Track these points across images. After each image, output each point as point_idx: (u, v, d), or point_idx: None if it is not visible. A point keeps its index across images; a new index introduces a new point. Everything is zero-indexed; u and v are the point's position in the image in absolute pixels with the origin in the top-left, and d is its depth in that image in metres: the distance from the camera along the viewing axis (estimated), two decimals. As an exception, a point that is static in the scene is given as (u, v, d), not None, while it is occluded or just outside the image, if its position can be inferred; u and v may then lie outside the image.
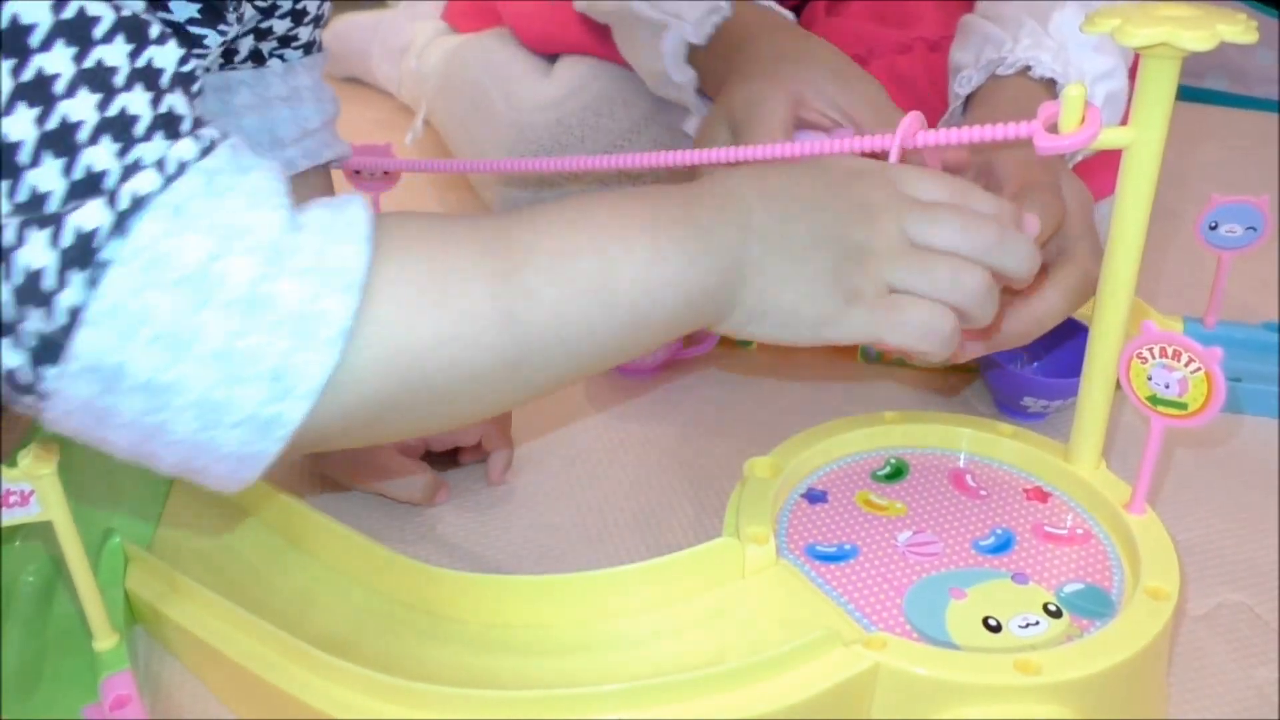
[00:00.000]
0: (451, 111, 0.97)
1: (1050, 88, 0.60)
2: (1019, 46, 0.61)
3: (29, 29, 0.31)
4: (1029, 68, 0.60)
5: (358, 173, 0.76)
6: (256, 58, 0.56)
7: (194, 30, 0.44)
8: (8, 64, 0.31)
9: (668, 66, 0.68)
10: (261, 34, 0.54)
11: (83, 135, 0.32)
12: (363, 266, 0.34)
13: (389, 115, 1.27)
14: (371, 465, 0.58)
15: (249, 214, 0.33)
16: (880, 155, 0.47)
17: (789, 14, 0.66)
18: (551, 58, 0.93)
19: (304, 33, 0.56)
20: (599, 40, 0.84)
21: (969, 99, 0.64)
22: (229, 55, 0.54)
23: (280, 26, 0.54)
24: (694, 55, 0.67)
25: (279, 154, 0.56)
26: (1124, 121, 0.44)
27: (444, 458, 0.62)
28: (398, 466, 0.58)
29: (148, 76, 0.33)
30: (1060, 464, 0.52)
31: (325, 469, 0.61)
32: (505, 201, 0.89)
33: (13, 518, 0.41)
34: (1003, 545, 0.48)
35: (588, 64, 0.85)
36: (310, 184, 0.59)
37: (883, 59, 0.80)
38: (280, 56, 0.56)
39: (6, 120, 0.31)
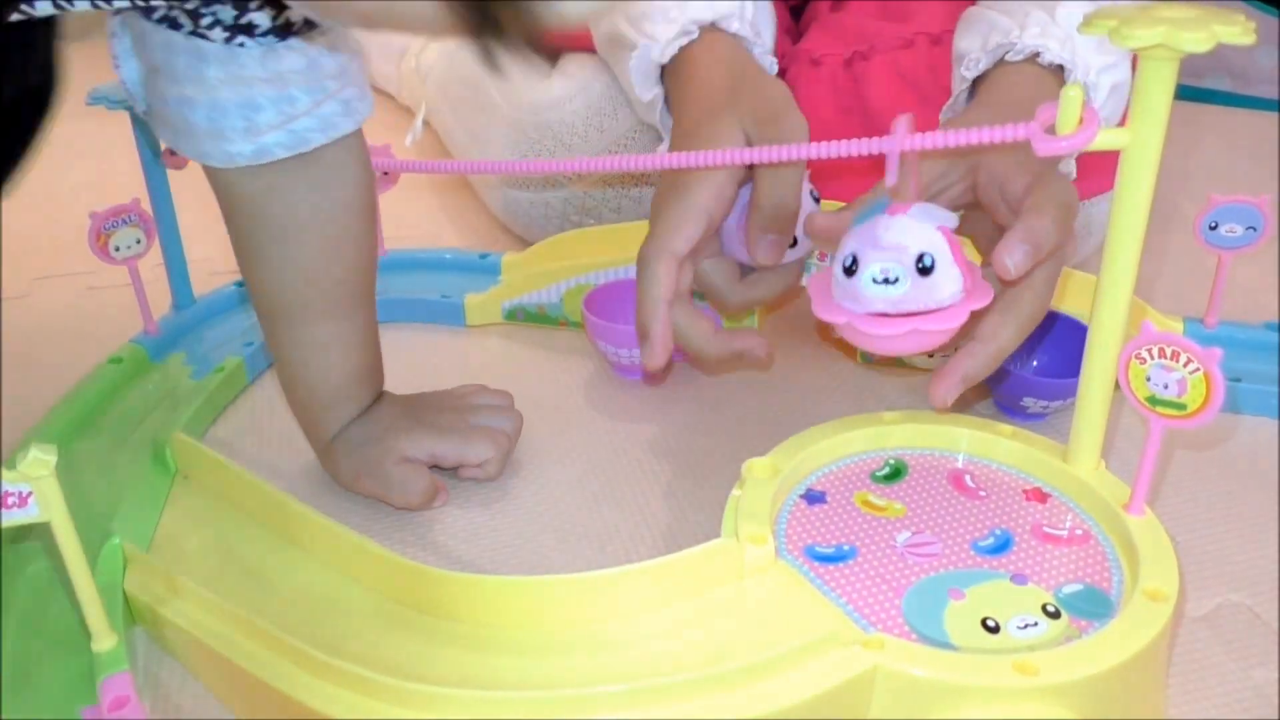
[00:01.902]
0: (452, 112, 0.97)
1: (1058, 75, 0.61)
2: (1026, 33, 0.61)
3: None
4: (1037, 54, 0.61)
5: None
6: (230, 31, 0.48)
7: None
8: None
9: (634, 82, 0.69)
10: (199, 17, 0.47)
11: None
12: None
13: (386, 115, 1.27)
14: (373, 471, 0.59)
15: None
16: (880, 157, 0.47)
17: (752, 37, 0.66)
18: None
19: (261, 19, 0.48)
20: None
21: (974, 86, 0.64)
22: (195, 18, 0.47)
23: (226, 15, 0.47)
24: (665, 77, 0.68)
25: (253, 140, 0.51)
26: (1126, 114, 0.44)
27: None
28: (399, 472, 0.58)
29: None
30: (1059, 465, 0.52)
31: (327, 471, 0.61)
32: (508, 202, 0.89)
33: (11, 519, 0.41)
34: (1001, 546, 0.48)
35: (592, 63, 0.85)
36: (328, 157, 0.54)
37: (885, 54, 0.80)
38: (241, 45, 0.49)
39: None
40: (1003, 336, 0.52)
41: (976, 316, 0.49)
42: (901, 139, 0.45)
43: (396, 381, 0.64)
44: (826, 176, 0.79)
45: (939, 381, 0.52)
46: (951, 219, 0.48)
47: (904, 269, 0.46)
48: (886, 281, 0.46)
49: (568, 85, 0.85)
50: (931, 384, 0.52)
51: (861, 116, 0.80)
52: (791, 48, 0.84)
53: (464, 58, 0.98)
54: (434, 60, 1.06)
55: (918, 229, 0.47)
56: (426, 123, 1.06)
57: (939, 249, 0.46)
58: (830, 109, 0.81)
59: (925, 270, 0.46)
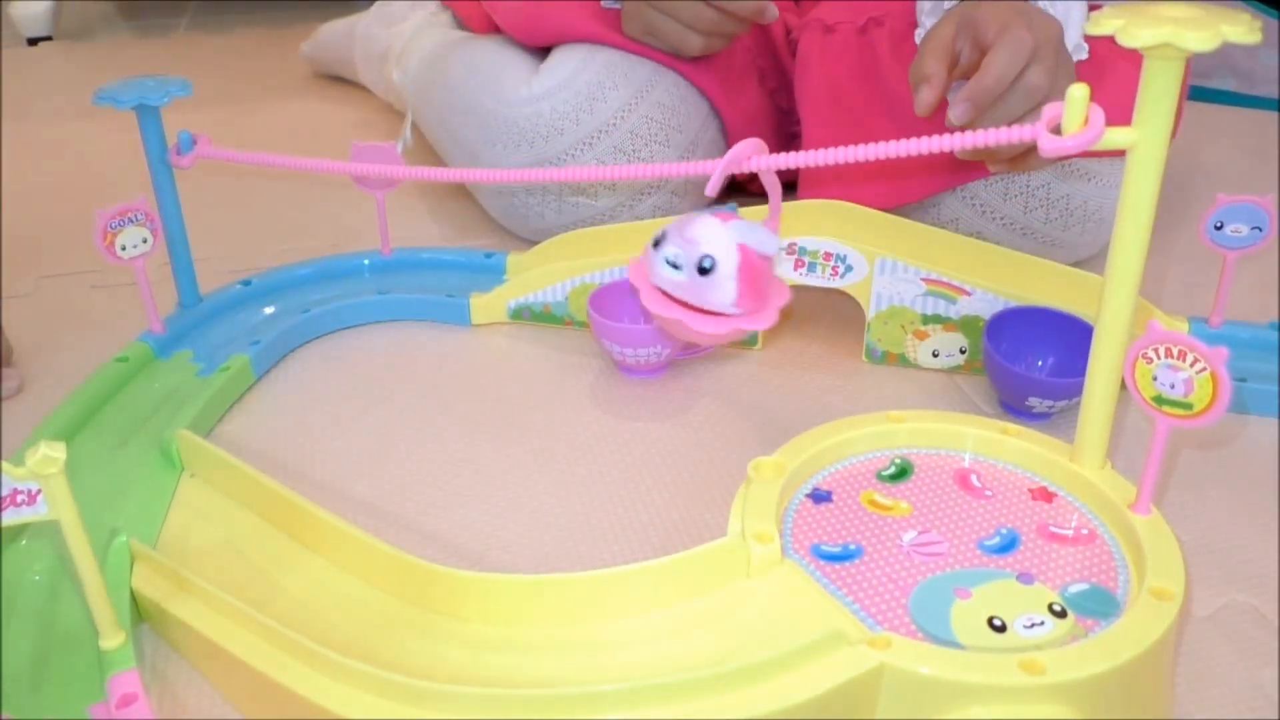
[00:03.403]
0: (435, 116, 0.97)
1: None
2: None
3: None
4: None
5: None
6: None
7: None
8: None
9: None
10: None
11: None
12: None
13: (370, 115, 1.28)
14: None
15: None
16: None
17: None
18: (535, 52, 0.93)
19: None
20: (589, 17, 0.86)
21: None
22: None
23: None
24: None
25: None
26: None
27: None
28: None
29: None
30: (1065, 464, 0.52)
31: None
32: (508, 209, 0.89)
33: (19, 517, 0.41)
34: (1008, 545, 0.48)
35: (579, 55, 0.86)
36: None
37: (899, 21, 0.80)
38: None
39: None
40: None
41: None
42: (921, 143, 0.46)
43: (401, 382, 0.64)
44: (828, 180, 0.79)
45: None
46: (771, 245, 0.52)
47: (688, 262, 0.51)
48: (674, 266, 0.52)
49: (556, 76, 0.86)
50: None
51: (875, 84, 0.80)
52: (804, 15, 0.85)
53: (444, 62, 0.98)
54: (416, 69, 1.06)
55: (718, 236, 0.51)
56: (415, 128, 1.06)
57: (725, 260, 0.50)
58: (844, 76, 0.82)
59: (704, 271, 0.51)
